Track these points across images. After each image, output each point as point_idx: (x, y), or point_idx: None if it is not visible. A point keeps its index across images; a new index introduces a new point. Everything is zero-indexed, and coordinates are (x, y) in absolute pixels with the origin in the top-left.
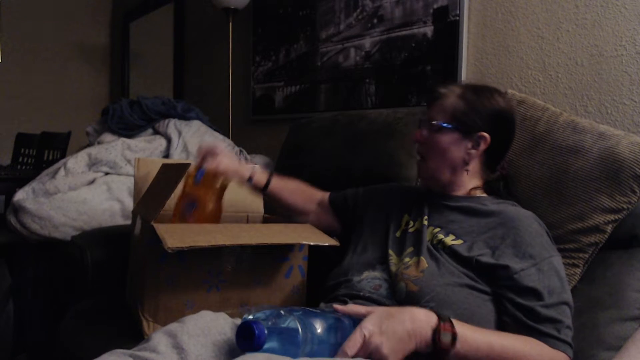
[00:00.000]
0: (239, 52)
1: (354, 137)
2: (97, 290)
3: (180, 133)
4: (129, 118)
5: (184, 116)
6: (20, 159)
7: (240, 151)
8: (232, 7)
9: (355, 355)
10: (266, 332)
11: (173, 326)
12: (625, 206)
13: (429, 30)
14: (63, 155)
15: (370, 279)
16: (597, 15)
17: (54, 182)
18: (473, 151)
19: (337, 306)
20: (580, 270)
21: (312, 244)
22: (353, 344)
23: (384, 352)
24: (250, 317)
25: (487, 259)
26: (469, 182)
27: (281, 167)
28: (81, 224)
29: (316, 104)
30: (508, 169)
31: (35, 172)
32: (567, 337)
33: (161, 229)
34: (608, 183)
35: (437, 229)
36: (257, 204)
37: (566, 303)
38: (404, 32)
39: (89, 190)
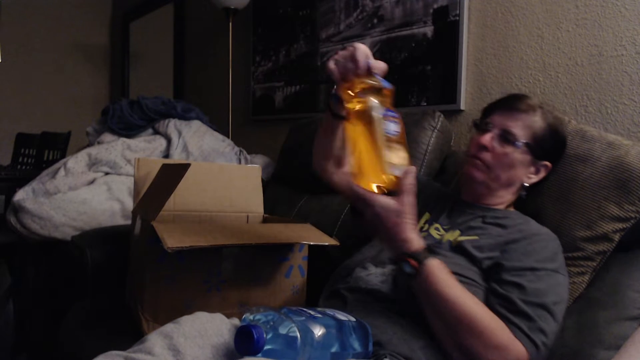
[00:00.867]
0: (239, 52)
1: None
2: (97, 290)
3: (180, 133)
4: (129, 118)
5: (184, 116)
6: (20, 159)
7: (240, 151)
8: (232, 7)
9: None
10: (265, 336)
11: (169, 327)
12: (633, 215)
13: (429, 30)
14: (63, 155)
15: (378, 274)
16: (597, 15)
17: (54, 182)
18: (533, 177)
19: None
20: (587, 278)
21: (312, 243)
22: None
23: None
24: (250, 318)
25: (492, 261)
26: (510, 198)
27: (281, 167)
28: (81, 224)
29: (316, 104)
30: None
31: (35, 172)
32: (536, 337)
33: (161, 229)
34: (617, 192)
35: (457, 232)
36: (257, 204)
37: (549, 310)
38: (404, 32)
39: (89, 190)
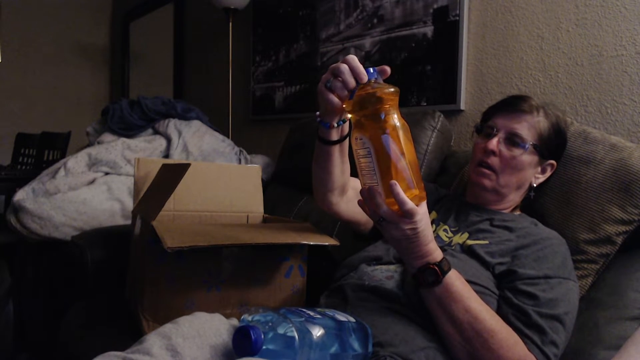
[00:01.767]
0: (239, 52)
1: None
2: (97, 290)
3: (180, 133)
4: (129, 118)
5: (184, 116)
6: (20, 159)
7: (240, 151)
8: (232, 7)
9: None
10: (263, 337)
11: (167, 327)
12: (637, 218)
13: (429, 30)
14: (63, 155)
15: (384, 270)
16: (597, 15)
17: (54, 182)
18: (540, 176)
19: None
20: (590, 281)
21: (312, 243)
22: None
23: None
24: (249, 318)
25: (504, 267)
26: (518, 201)
27: (281, 167)
28: (81, 224)
29: (316, 104)
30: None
31: (35, 172)
32: (548, 350)
33: (161, 229)
34: (620, 194)
35: (465, 235)
36: (257, 204)
37: (561, 321)
38: (404, 32)
39: (89, 190)
